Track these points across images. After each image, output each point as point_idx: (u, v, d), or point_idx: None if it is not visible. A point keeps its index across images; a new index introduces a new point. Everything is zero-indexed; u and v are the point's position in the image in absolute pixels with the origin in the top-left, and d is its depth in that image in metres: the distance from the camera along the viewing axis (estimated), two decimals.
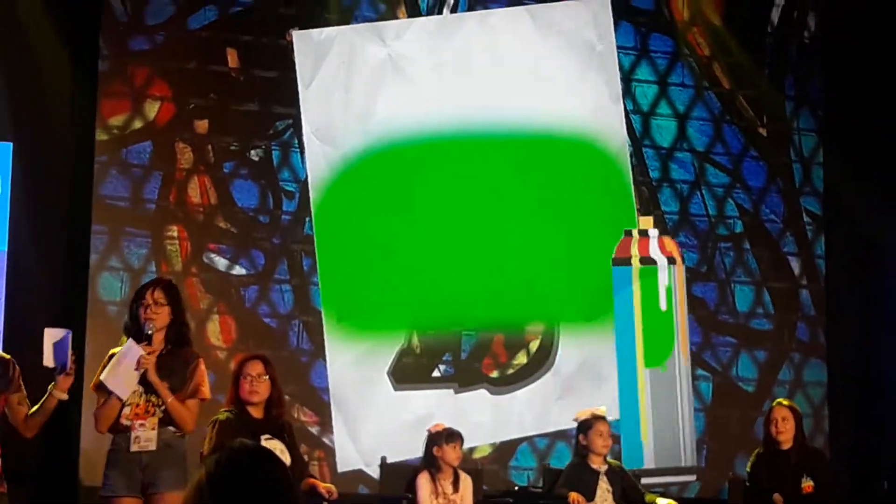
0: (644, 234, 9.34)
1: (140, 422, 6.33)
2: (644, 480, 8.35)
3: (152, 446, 6.33)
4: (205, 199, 8.84)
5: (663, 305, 9.27)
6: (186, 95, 8.86)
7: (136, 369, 6.33)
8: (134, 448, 6.33)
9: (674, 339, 9.28)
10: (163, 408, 6.37)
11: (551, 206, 9.19)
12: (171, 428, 6.38)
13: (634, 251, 9.30)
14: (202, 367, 6.51)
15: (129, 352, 6.34)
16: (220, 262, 8.83)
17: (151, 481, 6.32)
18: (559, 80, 9.28)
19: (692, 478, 9.29)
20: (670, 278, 9.32)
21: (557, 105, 9.23)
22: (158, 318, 6.44)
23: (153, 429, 6.31)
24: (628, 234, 9.32)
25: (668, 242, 9.43)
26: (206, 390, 6.47)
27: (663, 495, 8.05)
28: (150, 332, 6.41)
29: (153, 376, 6.36)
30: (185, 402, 6.40)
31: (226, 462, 2.66)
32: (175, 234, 8.75)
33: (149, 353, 6.36)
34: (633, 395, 9.17)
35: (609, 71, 9.44)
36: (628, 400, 9.18)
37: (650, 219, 9.39)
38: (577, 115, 9.28)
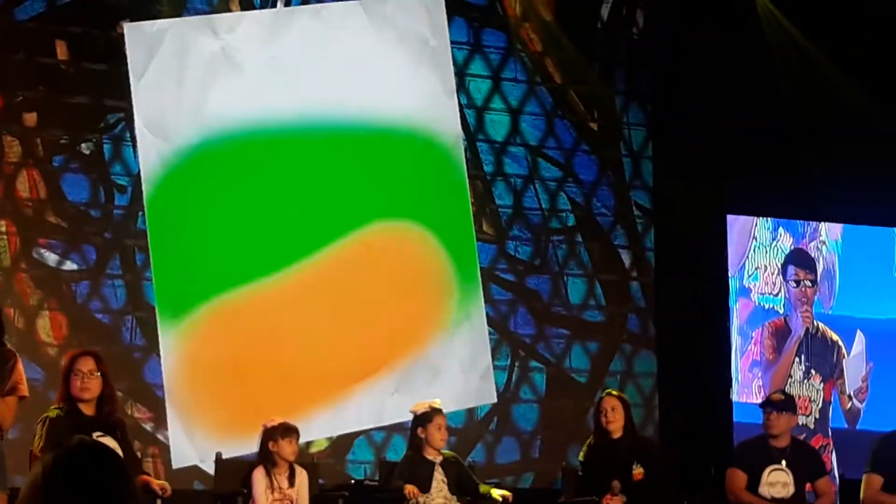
0: None
1: None
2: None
3: None
4: (34, 194, 8.68)
5: None
6: (14, 88, 8.68)
7: None
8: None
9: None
10: None
11: (387, 200, 9.22)
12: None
13: None
14: (19, 364, 6.33)
15: None
16: (51, 258, 8.67)
17: None
18: (393, 74, 9.31)
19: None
20: None
21: (392, 100, 9.26)
22: None
23: None
24: None
25: None
26: (24, 388, 6.29)
27: (497, 486, 8.14)
28: None
29: None
30: (4, 400, 6.23)
31: (62, 460, 2.62)
32: (3, 228, 8.58)
33: None
34: None
35: (443, 66, 9.50)
36: None
37: None
38: (412, 109, 9.32)
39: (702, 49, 9.92)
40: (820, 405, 10.19)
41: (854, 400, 10.32)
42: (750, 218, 10.23)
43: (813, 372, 10.27)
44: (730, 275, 10.10)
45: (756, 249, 10.21)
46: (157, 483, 7.00)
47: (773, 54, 10.16)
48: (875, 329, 10.38)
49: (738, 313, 10.11)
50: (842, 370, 10.35)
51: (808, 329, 10.28)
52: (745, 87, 9.93)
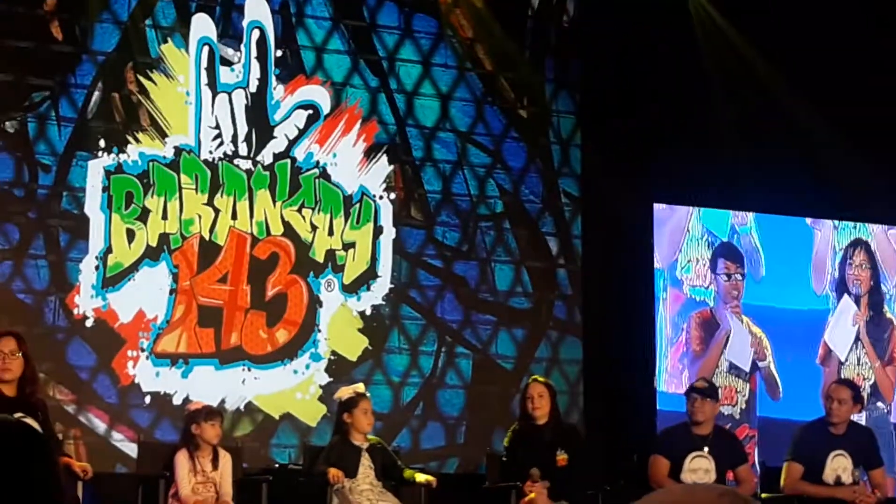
0: None
1: None
2: None
3: None
4: None
5: None
6: None
7: None
8: None
9: None
10: None
11: None
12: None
13: None
14: None
15: None
16: None
17: None
18: None
19: None
20: None
21: None
22: None
23: None
24: None
25: None
26: None
27: (422, 471, 8.16)
28: None
29: None
30: None
31: None
32: None
33: None
34: None
35: None
36: None
37: None
38: None
39: (632, 38, 9.97)
40: (746, 396, 10.29)
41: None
42: (685, 209, 10.28)
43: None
44: (663, 266, 10.16)
45: (689, 242, 10.28)
46: (78, 465, 6.96)
47: (701, 45, 10.23)
48: (791, 319, 10.48)
49: (670, 304, 10.17)
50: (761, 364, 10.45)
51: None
52: (673, 77, 9.99)
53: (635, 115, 9.97)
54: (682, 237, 10.26)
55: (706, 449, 8.21)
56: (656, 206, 10.20)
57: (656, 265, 10.12)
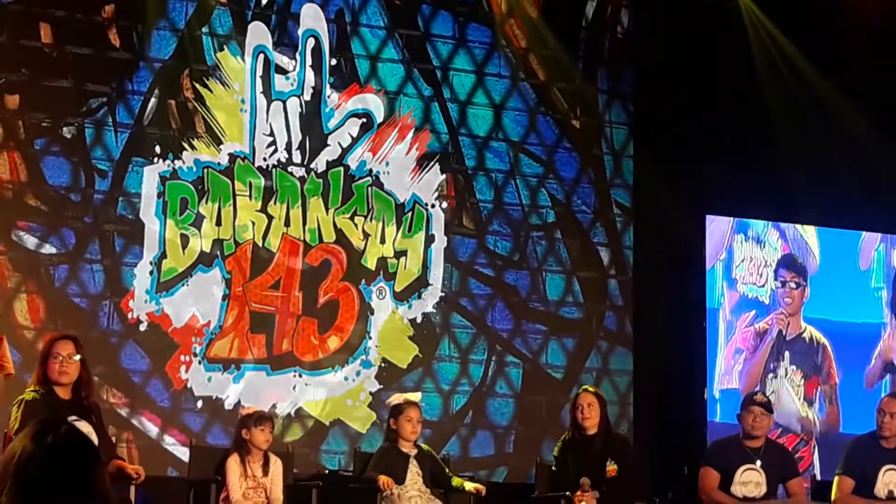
0: None
1: None
2: None
3: None
4: (14, 176, 8.67)
5: None
6: None
7: None
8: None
9: None
10: None
11: None
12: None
13: None
14: (5, 343, 6.36)
15: None
16: (30, 241, 8.66)
17: None
18: None
19: None
20: None
21: None
22: None
23: None
24: None
25: None
26: (10, 366, 6.33)
27: (471, 480, 8.17)
28: None
29: None
30: None
31: (38, 450, 2.63)
32: None
33: None
34: None
35: None
36: None
37: None
38: None
39: (685, 49, 9.95)
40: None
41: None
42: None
43: (794, 368, 10.32)
44: (716, 263, 10.13)
45: (743, 241, 10.27)
46: (131, 468, 7.00)
47: (755, 57, 10.20)
48: (846, 332, 10.43)
49: (725, 302, 10.16)
50: (828, 372, 10.42)
51: (780, 331, 10.32)
52: (726, 89, 9.97)
53: (688, 126, 9.96)
54: (729, 236, 10.24)
55: (758, 462, 8.16)
56: (708, 216, 10.19)
57: (707, 266, 10.13)
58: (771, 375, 10.21)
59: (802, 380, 10.33)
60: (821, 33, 10.06)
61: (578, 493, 7.86)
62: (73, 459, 2.63)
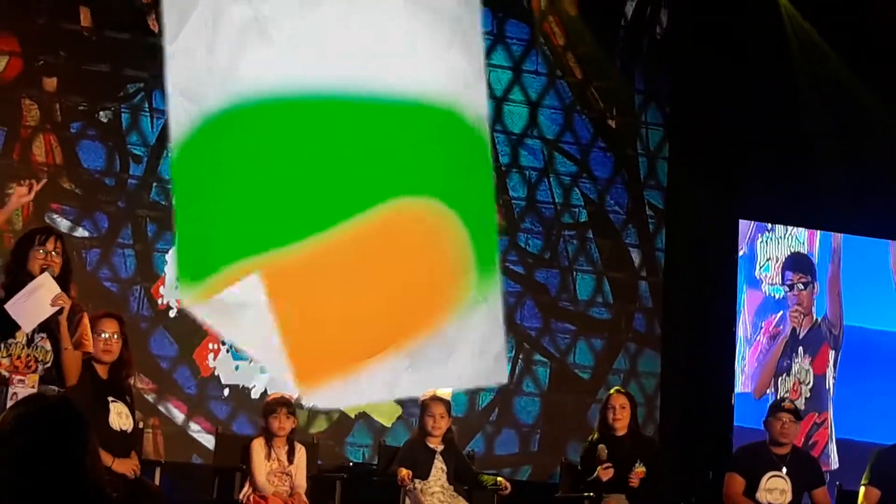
0: None
1: (20, 377, 6.02)
2: None
3: None
4: (50, 159, 8.69)
5: None
6: (35, 52, 8.68)
7: (52, 305, 6.09)
8: (10, 405, 6.10)
9: None
10: (47, 365, 6.11)
11: (411, 176, 9.20)
12: (52, 387, 6.03)
13: None
14: (86, 319, 6.32)
15: (43, 285, 6.06)
16: (63, 223, 8.67)
17: None
18: (424, 51, 9.27)
19: None
20: None
21: (421, 76, 9.20)
22: (54, 267, 6.17)
23: (33, 387, 5.95)
24: None
25: None
26: (89, 344, 6.27)
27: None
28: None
29: (64, 319, 6.11)
30: (74, 352, 6.13)
31: (21, 417, 2.60)
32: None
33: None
34: None
35: (473, 46, 9.46)
36: None
37: None
38: (442, 87, 9.28)
39: (723, 52, 9.91)
40: (811, 384, 10.21)
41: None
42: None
43: (802, 353, 10.28)
44: (739, 260, 10.12)
45: (768, 241, 10.24)
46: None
47: (795, 61, 10.15)
48: (872, 340, 10.39)
49: (748, 303, 10.13)
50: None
51: (794, 329, 10.29)
52: (764, 93, 9.92)
53: (724, 129, 9.91)
54: (754, 234, 10.21)
55: (784, 469, 8.12)
56: (741, 221, 10.16)
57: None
58: (785, 375, 10.16)
59: (810, 363, 10.29)
60: (861, 35, 10.00)
61: (600, 468, 7.84)
62: (52, 430, 2.58)
